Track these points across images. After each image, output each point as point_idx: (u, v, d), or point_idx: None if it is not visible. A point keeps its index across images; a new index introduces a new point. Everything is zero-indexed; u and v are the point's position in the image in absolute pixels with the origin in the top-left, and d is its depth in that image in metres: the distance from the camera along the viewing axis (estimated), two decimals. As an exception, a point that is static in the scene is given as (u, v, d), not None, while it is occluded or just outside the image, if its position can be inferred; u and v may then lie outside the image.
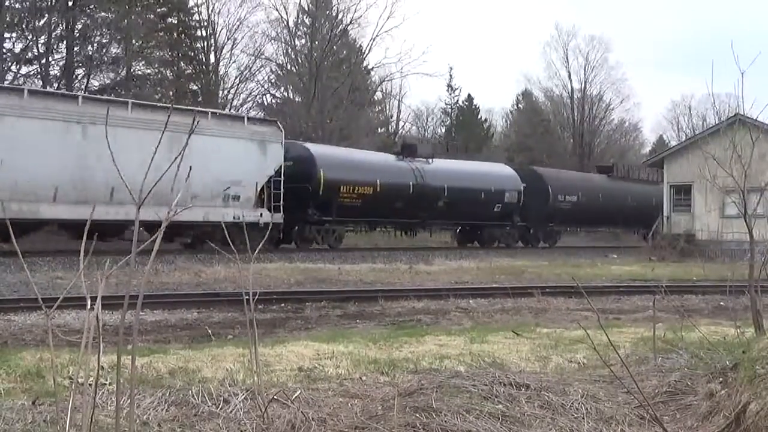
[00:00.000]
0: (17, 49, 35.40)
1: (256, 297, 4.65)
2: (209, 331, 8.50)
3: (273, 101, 51.18)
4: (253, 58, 46.33)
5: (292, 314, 13.04)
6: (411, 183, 30.60)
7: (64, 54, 36.06)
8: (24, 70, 35.93)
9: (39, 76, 35.71)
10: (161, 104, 27.61)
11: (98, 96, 29.24)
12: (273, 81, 50.21)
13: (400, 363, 6.66)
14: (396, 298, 14.88)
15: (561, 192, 37.75)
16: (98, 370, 3.89)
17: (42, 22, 35.04)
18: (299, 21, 48.25)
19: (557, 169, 44.31)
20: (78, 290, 3.57)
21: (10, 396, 5.11)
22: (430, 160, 32.83)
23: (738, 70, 7.72)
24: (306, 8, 47.93)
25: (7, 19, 33.54)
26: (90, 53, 36.73)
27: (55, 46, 36.03)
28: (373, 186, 28.89)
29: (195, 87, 45.36)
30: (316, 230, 27.70)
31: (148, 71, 40.92)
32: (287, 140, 28.79)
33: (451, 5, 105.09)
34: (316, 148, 28.99)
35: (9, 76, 34.42)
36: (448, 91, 65.83)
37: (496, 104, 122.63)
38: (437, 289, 16.63)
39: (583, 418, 4.81)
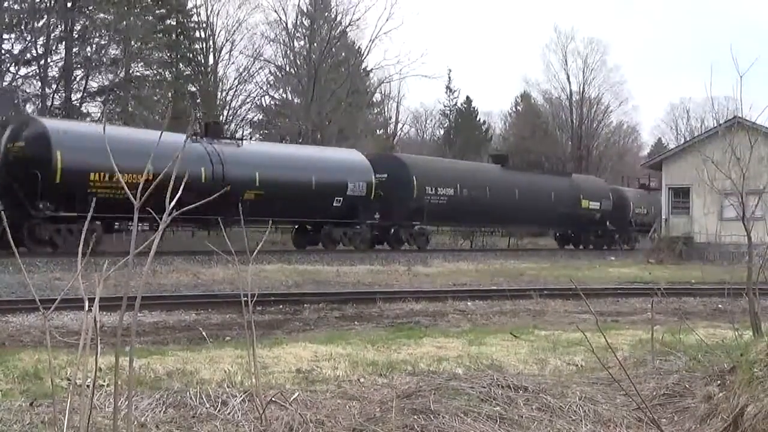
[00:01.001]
0: (16, 50, 35.40)
1: (255, 298, 4.65)
2: (204, 334, 8.49)
3: (272, 102, 51.26)
4: (251, 59, 46.42)
5: (291, 316, 13.04)
6: (203, 170, 23.87)
7: (63, 55, 36.02)
8: (23, 71, 35.93)
9: (38, 77, 35.70)
10: None
11: None
12: (272, 82, 50.27)
13: (398, 365, 6.66)
14: (394, 299, 14.87)
15: (431, 184, 30.89)
16: (96, 372, 3.89)
17: (41, 23, 35.02)
18: (298, 23, 48.29)
19: (429, 157, 37.84)
20: (76, 291, 3.57)
21: (8, 397, 5.11)
22: (241, 143, 27.30)
23: (737, 72, 7.74)
24: (305, 10, 47.98)
25: (6, 20, 33.52)
26: (89, 54, 36.68)
27: (53, 48, 36.01)
28: (143, 174, 23.58)
29: (194, 88, 45.37)
30: (53, 229, 21.56)
31: (147, 72, 40.91)
32: (21, 116, 24.15)
33: (450, 8, 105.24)
34: (54, 124, 22.92)
35: (8, 77, 34.42)
36: (446, 93, 66.08)
37: (494, 107, 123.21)
38: (435, 291, 16.63)
39: (581, 421, 4.81)
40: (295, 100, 48.51)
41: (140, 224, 23.93)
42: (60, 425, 3.55)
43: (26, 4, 34.71)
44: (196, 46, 45.56)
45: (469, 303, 14.84)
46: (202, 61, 45.61)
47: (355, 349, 7.45)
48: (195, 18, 45.05)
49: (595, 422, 4.82)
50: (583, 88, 64.71)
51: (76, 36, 36.08)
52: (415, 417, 4.67)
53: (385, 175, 29.94)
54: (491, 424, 4.63)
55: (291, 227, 30.39)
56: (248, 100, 48.25)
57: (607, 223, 40.28)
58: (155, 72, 41.30)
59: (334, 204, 27.88)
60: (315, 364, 6.61)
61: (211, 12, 44.44)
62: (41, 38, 34.97)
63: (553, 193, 36.56)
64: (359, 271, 21.53)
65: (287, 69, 48.95)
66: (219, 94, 45.79)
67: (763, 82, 19.70)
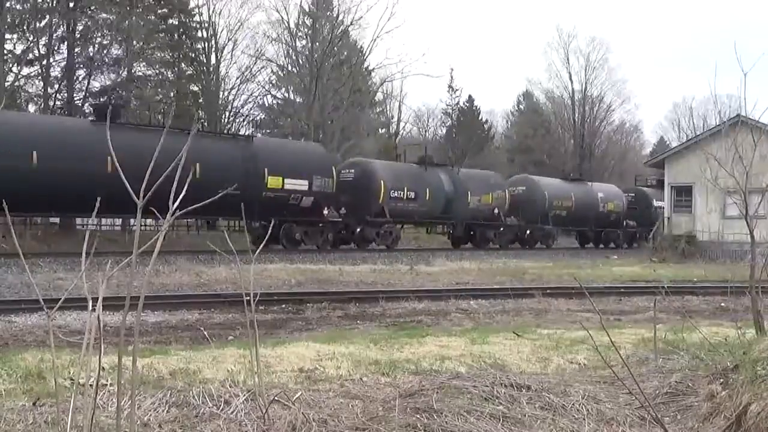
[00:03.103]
0: (18, 51, 35.47)
1: (257, 298, 4.65)
2: (206, 334, 8.50)
3: (274, 102, 51.26)
4: (253, 59, 46.40)
5: (293, 315, 13.04)
6: None
7: (65, 55, 36.05)
8: (25, 71, 36.02)
9: (40, 78, 35.75)
10: None
11: None
12: (274, 82, 50.26)
13: (400, 364, 6.65)
14: (397, 299, 14.87)
15: None
16: (99, 371, 3.89)
17: (43, 23, 35.07)
18: (300, 22, 48.23)
19: None
20: (79, 291, 3.57)
21: (11, 397, 5.11)
22: None
23: (741, 71, 7.74)
24: (307, 9, 47.95)
25: (8, 20, 33.56)
26: (91, 54, 36.74)
27: (56, 48, 36.05)
28: None
29: (196, 88, 45.38)
30: None
31: (149, 72, 40.94)
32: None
33: (452, 7, 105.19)
34: None
35: (10, 77, 34.45)
36: (448, 92, 65.96)
37: (497, 106, 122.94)
38: (438, 290, 16.62)
39: (584, 419, 4.81)
40: (298, 100, 48.49)
41: None
42: (63, 425, 3.55)
43: (28, 5, 34.76)
44: (198, 45, 45.56)
45: (471, 302, 14.83)
46: (204, 60, 45.59)
47: (357, 348, 7.44)
48: (197, 18, 45.06)
49: (598, 421, 4.82)
50: (585, 87, 64.73)
51: (78, 36, 36.11)
52: (418, 416, 4.67)
53: None
54: (494, 423, 4.63)
55: None
56: (250, 99, 48.33)
57: (325, 212, 28.22)
58: (157, 72, 41.34)
59: None
60: (318, 363, 6.60)
61: (213, 11, 44.47)
62: (43, 38, 35.02)
63: (199, 164, 21.32)
64: (362, 271, 21.53)
65: (289, 68, 48.93)
66: (221, 93, 45.79)
67: (766, 80, 19.67)
